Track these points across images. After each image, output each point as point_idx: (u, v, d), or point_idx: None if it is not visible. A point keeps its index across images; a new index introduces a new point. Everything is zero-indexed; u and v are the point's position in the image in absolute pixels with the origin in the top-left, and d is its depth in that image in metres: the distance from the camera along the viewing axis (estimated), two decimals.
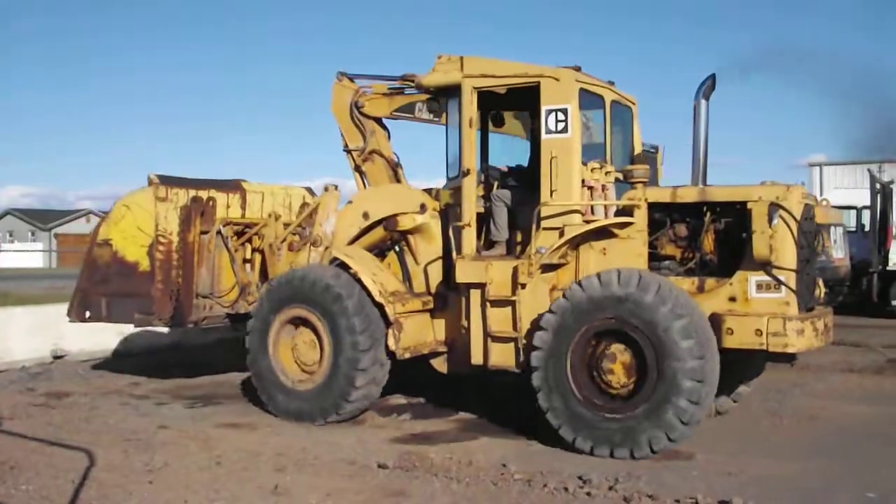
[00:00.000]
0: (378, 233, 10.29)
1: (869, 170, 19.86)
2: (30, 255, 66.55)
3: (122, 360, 14.19)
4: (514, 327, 8.56)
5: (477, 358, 8.89)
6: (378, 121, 11.11)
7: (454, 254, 9.12)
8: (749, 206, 7.90)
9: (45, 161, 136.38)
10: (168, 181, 10.43)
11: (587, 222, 8.58)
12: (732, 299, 7.96)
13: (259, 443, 8.60)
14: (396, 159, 10.99)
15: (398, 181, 10.97)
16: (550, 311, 8.09)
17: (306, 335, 9.56)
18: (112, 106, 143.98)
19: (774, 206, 7.78)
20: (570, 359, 7.93)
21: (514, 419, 9.31)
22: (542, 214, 8.56)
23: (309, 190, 12.31)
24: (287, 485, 7.09)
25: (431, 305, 9.73)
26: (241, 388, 11.64)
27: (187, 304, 10.35)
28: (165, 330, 15.42)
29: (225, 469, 7.65)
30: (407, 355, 9.39)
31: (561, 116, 8.50)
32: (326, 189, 10.62)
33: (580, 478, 7.09)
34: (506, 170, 10.07)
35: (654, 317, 7.51)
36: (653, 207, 8.56)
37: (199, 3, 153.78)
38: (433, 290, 9.84)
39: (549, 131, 8.59)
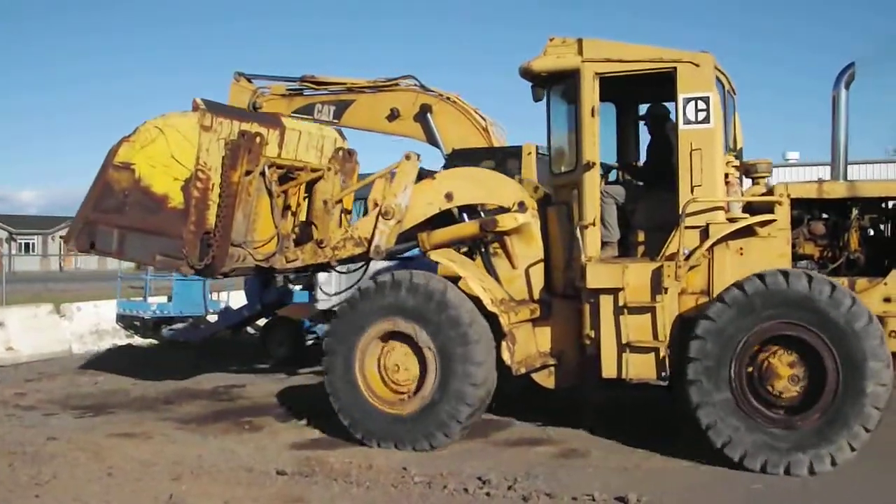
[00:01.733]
0: (468, 228, 9.08)
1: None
2: None
3: (7, 370, 13.58)
4: (655, 335, 7.83)
5: (610, 370, 8.02)
6: None
7: (582, 256, 8.13)
8: None
9: None
10: (214, 108, 8.99)
11: (730, 220, 7.92)
12: (887, 300, 7.52)
13: (153, 452, 8.32)
14: None
15: None
16: (708, 317, 7.37)
17: (401, 351, 8.43)
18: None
19: None
20: (734, 369, 7.28)
21: None
22: (687, 211, 7.80)
23: (340, 133, 10.69)
24: (182, 494, 6.88)
25: (538, 314, 8.77)
26: (133, 397, 11.30)
27: (222, 252, 8.91)
28: (51, 336, 14.92)
29: (117, 480, 7.36)
30: (522, 370, 8.39)
31: (702, 105, 7.85)
32: (408, 157, 9.15)
33: (479, 478, 7.09)
34: (615, 165, 9.41)
35: (839, 320, 7.00)
36: (795, 204, 7.95)
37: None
38: (536, 297, 8.85)
39: (687, 121, 7.88)
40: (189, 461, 7.87)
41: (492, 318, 8.28)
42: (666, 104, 8.76)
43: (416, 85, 10.40)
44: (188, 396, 11.14)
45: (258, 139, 9.02)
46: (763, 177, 8.34)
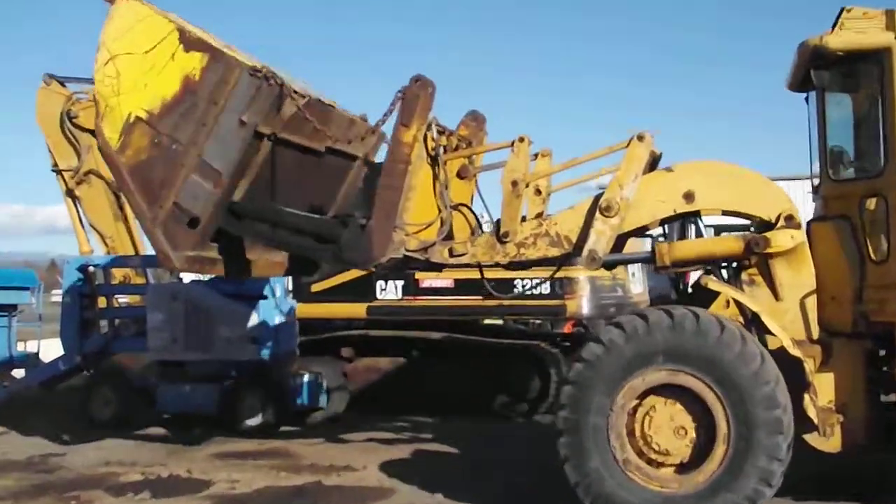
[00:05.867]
0: (726, 244, 7.41)
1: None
2: None
3: None
4: None
5: None
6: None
7: None
8: None
9: None
10: None
11: None
12: None
13: None
14: None
15: (121, 210, 9.31)
16: None
17: (668, 410, 6.71)
18: None
19: None
20: None
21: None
22: None
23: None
24: None
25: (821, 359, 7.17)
26: None
27: (385, 236, 6.86)
28: None
29: None
30: (828, 430, 6.92)
31: None
32: (640, 138, 7.15)
33: None
34: None
35: None
36: None
37: None
38: (814, 337, 7.22)
39: None
40: None
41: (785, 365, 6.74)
42: None
43: None
44: None
45: (431, 89, 6.82)
46: None
